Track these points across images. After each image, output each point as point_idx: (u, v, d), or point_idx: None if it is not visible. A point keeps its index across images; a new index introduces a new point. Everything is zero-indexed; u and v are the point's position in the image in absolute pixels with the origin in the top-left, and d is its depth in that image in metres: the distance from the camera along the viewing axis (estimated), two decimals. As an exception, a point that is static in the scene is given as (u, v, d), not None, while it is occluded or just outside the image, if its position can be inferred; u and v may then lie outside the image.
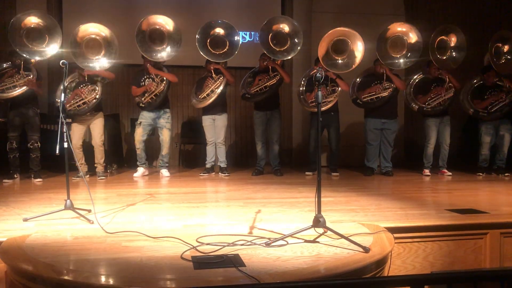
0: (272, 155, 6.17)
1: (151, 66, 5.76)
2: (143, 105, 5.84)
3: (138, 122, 5.91)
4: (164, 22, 5.62)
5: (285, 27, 5.79)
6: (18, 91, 5.33)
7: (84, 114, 5.59)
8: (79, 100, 5.53)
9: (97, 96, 5.59)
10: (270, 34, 5.75)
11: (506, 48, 5.96)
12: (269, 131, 6.14)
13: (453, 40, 5.90)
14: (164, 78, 5.80)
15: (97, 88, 5.60)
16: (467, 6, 7.98)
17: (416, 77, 6.28)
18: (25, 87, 5.34)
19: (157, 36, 5.64)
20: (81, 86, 5.62)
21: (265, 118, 6.09)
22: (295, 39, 5.74)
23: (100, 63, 5.41)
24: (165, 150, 5.98)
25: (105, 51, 5.40)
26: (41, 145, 5.54)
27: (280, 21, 5.87)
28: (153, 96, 5.80)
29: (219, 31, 5.85)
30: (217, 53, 5.82)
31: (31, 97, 5.48)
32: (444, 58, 5.92)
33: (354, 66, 5.52)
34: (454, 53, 5.90)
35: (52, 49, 5.24)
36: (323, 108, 5.62)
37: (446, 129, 6.08)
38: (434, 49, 5.84)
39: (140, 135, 5.86)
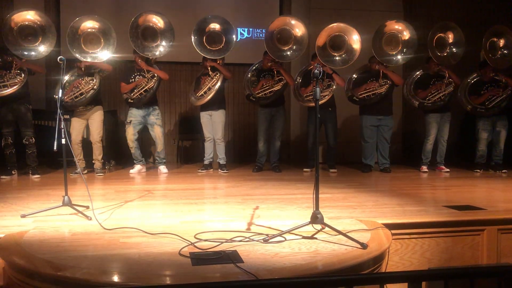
0: (273, 151, 6.17)
1: (143, 62, 5.71)
2: (131, 101, 5.77)
3: (128, 121, 5.85)
4: (157, 20, 5.58)
5: (297, 30, 5.73)
6: (7, 91, 5.25)
7: (83, 105, 5.56)
8: (77, 92, 5.52)
9: (95, 87, 5.55)
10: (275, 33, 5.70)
11: (501, 42, 5.96)
12: (272, 127, 6.14)
13: (450, 37, 5.90)
14: (155, 75, 5.76)
15: (94, 79, 5.59)
16: (466, 2, 7.97)
17: (416, 74, 6.26)
18: (16, 86, 5.27)
19: (150, 33, 5.60)
20: (80, 79, 5.61)
21: (270, 115, 6.08)
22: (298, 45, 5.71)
23: (98, 55, 5.39)
24: (159, 146, 5.96)
25: (103, 44, 5.38)
26: (39, 141, 5.53)
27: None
28: (143, 92, 5.73)
29: (215, 26, 5.77)
30: (213, 49, 5.76)
31: (22, 93, 5.42)
32: (444, 54, 5.92)
33: (351, 62, 5.52)
34: (454, 49, 5.90)
35: (44, 48, 5.23)
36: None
37: (445, 125, 6.08)
38: (433, 46, 5.83)
39: (131, 134, 5.82)
